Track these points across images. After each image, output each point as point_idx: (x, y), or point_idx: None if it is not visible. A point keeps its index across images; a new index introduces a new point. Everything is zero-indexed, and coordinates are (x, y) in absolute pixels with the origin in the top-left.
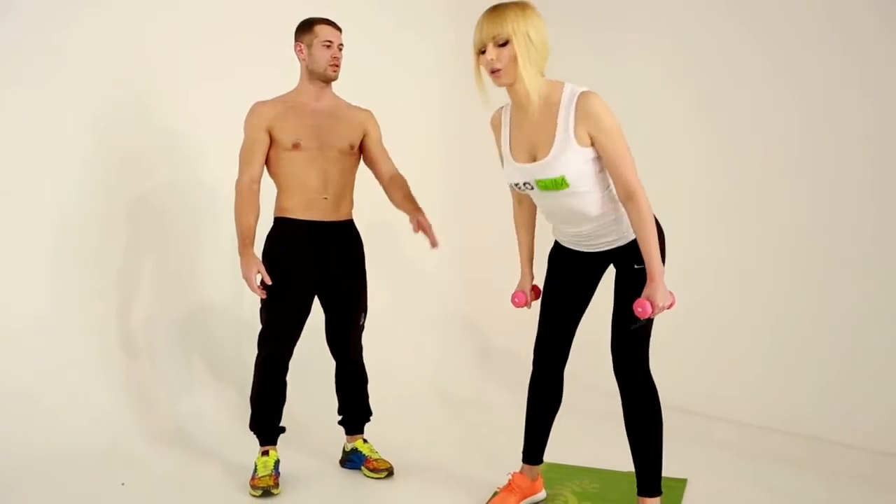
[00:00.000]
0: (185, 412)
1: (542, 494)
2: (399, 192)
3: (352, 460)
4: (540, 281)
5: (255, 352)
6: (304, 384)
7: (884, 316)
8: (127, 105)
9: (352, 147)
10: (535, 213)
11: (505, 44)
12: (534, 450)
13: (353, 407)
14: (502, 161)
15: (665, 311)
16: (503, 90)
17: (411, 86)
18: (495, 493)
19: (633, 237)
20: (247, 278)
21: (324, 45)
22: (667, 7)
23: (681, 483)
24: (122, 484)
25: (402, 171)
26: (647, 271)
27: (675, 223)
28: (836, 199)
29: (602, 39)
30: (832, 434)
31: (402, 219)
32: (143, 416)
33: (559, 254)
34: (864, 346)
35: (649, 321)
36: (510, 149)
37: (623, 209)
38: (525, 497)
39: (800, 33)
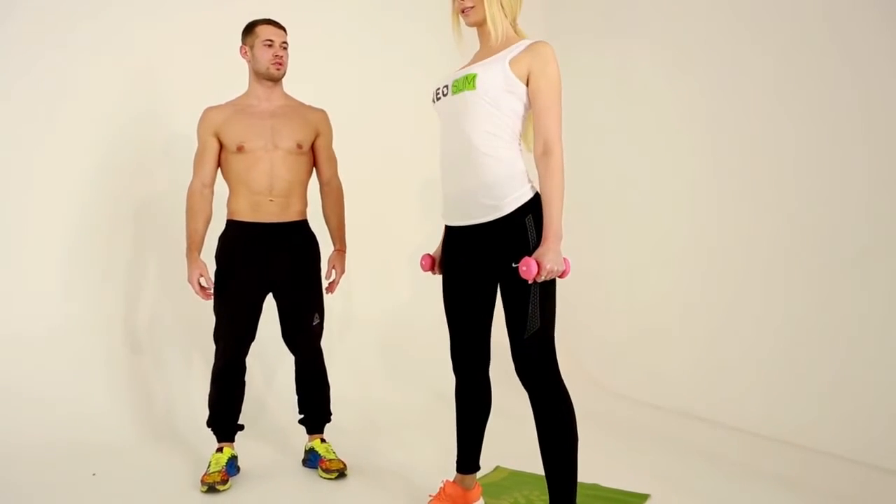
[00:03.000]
0: (179, 408)
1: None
2: (333, 215)
3: (310, 459)
4: None
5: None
6: (290, 381)
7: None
8: (133, 115)
9: (300, 146)
10: None
11: None
12: (466, 458)
13: (311, 407)
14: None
15: (556, 277)
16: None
17: (402, 81)
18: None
19: (509, 210)
20: (190, 282)
21: (265, 45)
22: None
23: (640, 499)
24: (93, 474)
25: (387, 172)
26: (543, 231)
27: (670, 224)
28: (832, 205)
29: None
30: (830, 447)
31: (408, 223)
32: (139, 412)
33: (447, 243)
34: (868, 354)
35: (546, 326)
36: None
37: (504, 178)
38: None
39: (803, 36)
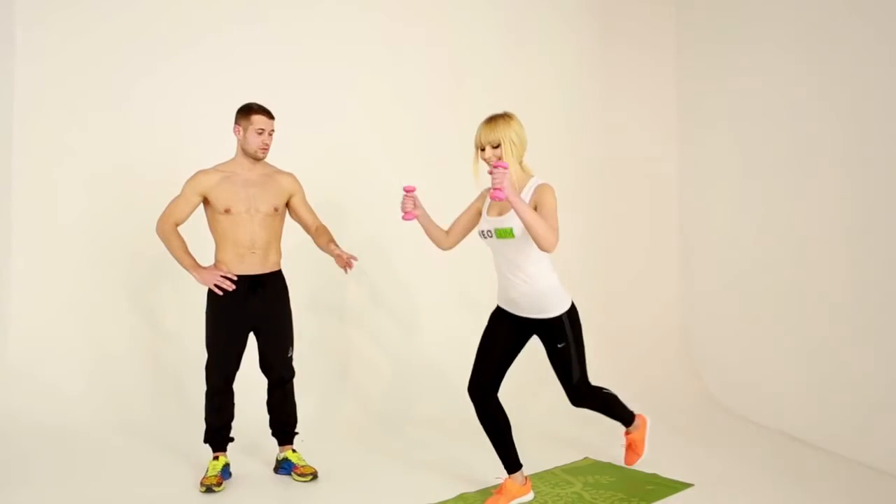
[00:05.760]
0: (192, 423)
1: (529, 496)
2: (324, 238)
3: (283, 467)
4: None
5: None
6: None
7: None
8: (159, 139)
9: (276, 209)
10: (440, 241)
11: (497, 146)
12: (508, 461)
13: (280, 422)
14: (461, 215)
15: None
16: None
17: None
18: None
19: (552, 315)
20: (207, 283)
21: (257, 132)
22: None
23: (680, 486)
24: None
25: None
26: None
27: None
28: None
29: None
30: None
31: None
32: (158, 423)
33: (497, 314)
34: None
35: (582, 369)
36: (488, 207)
37: (547, 290)
38: (513, 498)
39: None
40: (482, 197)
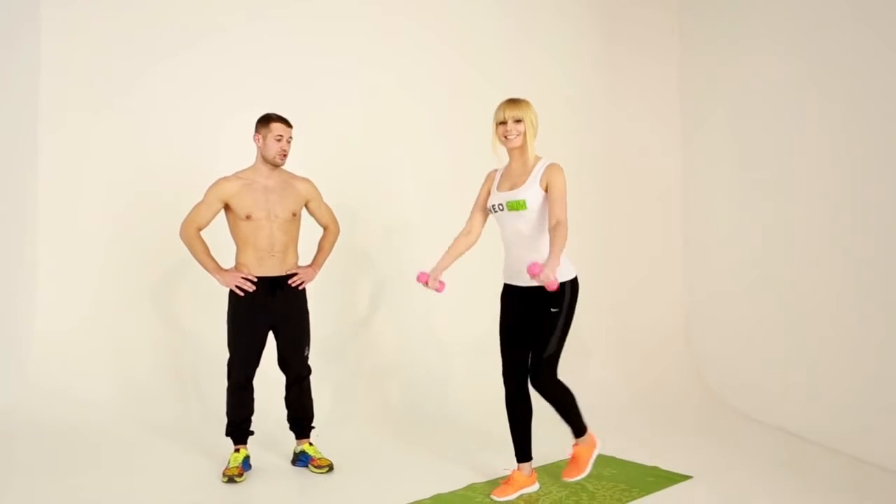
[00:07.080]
0: (217, 412)
1: (535, 487)
2: (325, 245)
3: (300, 460)
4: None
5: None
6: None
7: None
8: (179, 144)
9: (294, 215)
10: (468, 246)
11: (519, 121)
12: (521, 451)
13: (298, 417)
14: (477, 201)
15: (546, 288)
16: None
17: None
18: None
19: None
20: (229, 286)
21: (275, 139)
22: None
23: (679, 477)
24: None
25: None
26: (551, 257)
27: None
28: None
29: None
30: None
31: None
32: (180, 419)
33: (505, 295)
34: None
35: (557, 351)
36: (498, 184)
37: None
38: (520, 488)
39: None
40: (489, 179)
